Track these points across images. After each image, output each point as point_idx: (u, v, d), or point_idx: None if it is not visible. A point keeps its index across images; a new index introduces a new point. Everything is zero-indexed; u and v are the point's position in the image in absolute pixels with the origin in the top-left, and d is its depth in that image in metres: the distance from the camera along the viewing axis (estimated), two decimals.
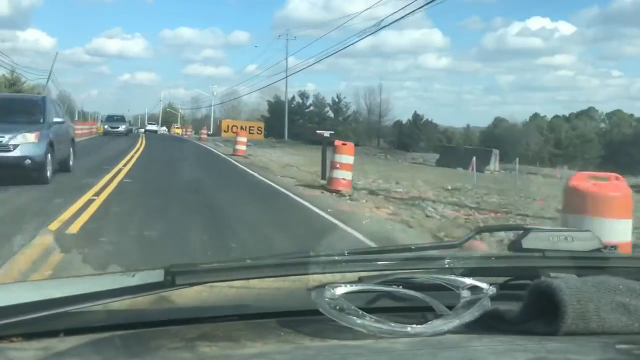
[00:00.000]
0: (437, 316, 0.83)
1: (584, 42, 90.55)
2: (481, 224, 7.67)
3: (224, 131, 51.73)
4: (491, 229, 6.69)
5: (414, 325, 0.79)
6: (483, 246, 5.45)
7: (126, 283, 0.84)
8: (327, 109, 68.22)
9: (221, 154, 22.69)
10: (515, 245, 1.01)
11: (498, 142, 48.17)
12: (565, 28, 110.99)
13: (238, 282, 0.90)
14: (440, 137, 60.54)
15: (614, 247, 4.49)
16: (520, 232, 1.03)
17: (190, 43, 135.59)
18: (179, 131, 65.55)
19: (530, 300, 0.84)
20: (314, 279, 0.91)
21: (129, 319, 0.85)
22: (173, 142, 33.26)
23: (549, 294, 0.81)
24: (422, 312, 0.88)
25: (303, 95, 71.52)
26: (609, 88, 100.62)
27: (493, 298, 0.86)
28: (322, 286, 0.85)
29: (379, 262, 0.98)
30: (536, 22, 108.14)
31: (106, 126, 40.96)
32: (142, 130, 64.03)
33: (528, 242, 0.99)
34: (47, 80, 45.38)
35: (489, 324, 0.85)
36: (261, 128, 55.45)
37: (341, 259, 0.95)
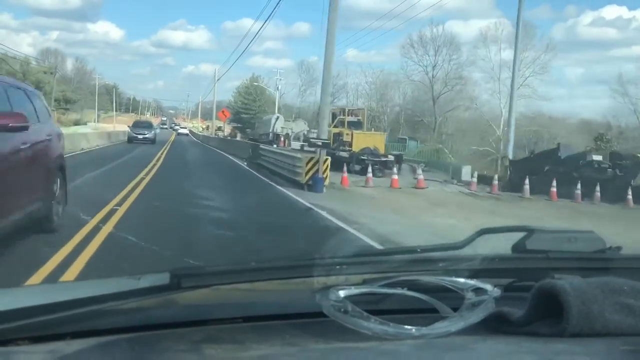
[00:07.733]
0: (442, 318, 0.83)
1: None
2: None
3: None
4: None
5: (419, 327, 0.79)
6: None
7: (132, 286, 0.84)
8: None
9: None
10: (519, 247, 1.01)
11: None
12: None
13: (243, 284, 0.91)
14: None
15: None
16: (524, 233, 1.03)
17: (252, 35, 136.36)
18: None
19: (534, 302, 0.84)
20: (319, 281, 0.91)
21: (135, 321, 0.85)
22: None
23: (553, 295, 0.81)
24: (427, 314, 0.88)
25: None
26: None
27: (497, 300, 0.86)
28: (326, 288, 0.85)
29: (383, 264, 0.98)
30: (611, 11, 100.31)
31: None
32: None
33: (532, 244, 0.99)
34: None
35: (493, 325, 0.85)
36: None
37: (345, 261, 0.95)
